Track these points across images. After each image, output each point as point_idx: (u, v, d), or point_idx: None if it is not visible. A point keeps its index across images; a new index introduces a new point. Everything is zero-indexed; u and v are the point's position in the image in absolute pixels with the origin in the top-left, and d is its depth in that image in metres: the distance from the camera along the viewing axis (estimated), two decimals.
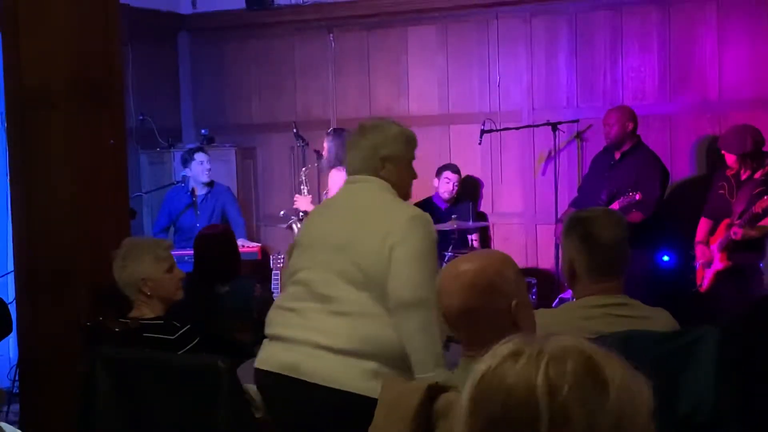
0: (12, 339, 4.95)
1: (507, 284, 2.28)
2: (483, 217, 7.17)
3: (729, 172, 5.85)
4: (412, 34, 7.45)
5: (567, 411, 1.14)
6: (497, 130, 6.93)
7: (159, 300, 3.60)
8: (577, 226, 2.90)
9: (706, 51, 6.61)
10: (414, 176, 3.30)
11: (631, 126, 6.19)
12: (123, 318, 3.58)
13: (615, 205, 5.78)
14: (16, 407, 4.40)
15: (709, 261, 5.79)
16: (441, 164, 7.02)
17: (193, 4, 8.00)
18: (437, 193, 6.95)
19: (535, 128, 6.90)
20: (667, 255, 6.30)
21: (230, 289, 4.44)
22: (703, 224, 5.93)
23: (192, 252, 4.77)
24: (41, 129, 4.15)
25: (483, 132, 6.82)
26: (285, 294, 3.25)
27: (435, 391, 2.11)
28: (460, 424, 1.21)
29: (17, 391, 4.42)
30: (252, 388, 3.30)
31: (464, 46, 7.29)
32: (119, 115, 4.37)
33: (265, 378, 3.13)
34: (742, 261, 5.57)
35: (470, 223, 6.61)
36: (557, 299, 6.06)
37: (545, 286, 6.62)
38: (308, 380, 2.98)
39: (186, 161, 6.88)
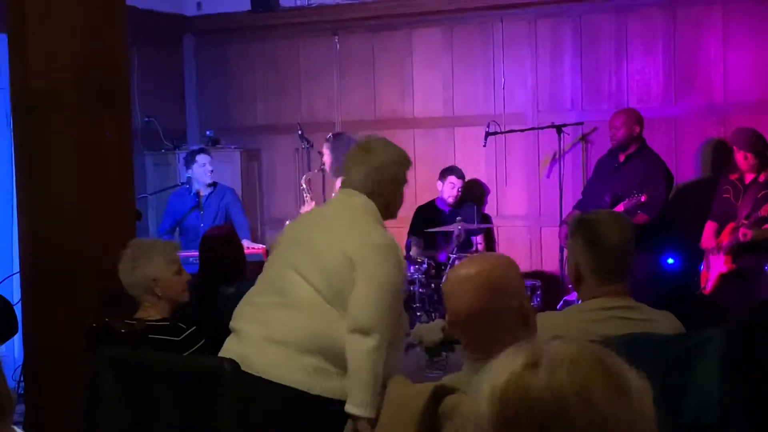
0: (17, 340, 4.96)
1: (516, 283, 2.35)
2: (487, 219, 7.17)
3: (733, 176, 5.87)
4: (417, 37, 7.46)
5: (603, 414, 1.14)
6: (502, 133, 6.93)
7: (167, 301, 3.61)
8: (582, 229, 2.90)
9: (711, 54, 6.61)
10: (402, 200, 3.37)
11: (637, 129, 6.20)
12: (128, 319, 3.58)
13: (620, 207, 5.78)
14: (21, 408, 4.40)
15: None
16: (445, 166, 7.02)
17: (198, 6, 8.01)
18: (441, 197, 6.95)
19: (540, 131, 6.90)
20: (672, 257, 6.29)
21: (235, 290, 4.43)
22: (710, 229, 5.93)
23: (197, 253, 4.78)
24: (47, 130, 4.15)
25: (488, 134, 6.82)
26: (252, 289, 3.33)
27: (440, 392, 2.12)
28: (463, 422, 1.21)
29: (22, 391, 4.43)
30: None
31: (469, 49, 7.29)
32: (125, 116, 4.38)
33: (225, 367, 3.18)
34: (746, 264, 5.57)
35: (474, 225, 6.61)
36: (562, 301, 6.06)
37: (550, 289, 6.62)
38: (253, 373, 3.05)
39: (188, 163, 6.89)
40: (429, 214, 6.89)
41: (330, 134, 6.75)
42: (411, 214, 6.87)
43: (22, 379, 4.48)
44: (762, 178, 5.70)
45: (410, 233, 6.83)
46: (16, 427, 1.92)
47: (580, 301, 3.00)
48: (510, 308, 2.28)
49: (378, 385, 2.91)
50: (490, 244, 7.17)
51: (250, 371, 3.05)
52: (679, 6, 6.69)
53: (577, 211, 6.07)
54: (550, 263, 7.02)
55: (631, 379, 1.18)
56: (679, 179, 6.51)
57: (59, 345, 4.11)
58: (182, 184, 7.01)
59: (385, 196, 3.25)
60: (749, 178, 5.77)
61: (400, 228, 6.44)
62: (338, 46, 7.66)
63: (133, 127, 4.75)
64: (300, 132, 7.19)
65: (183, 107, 8.16)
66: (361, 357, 2.95)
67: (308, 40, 7.78)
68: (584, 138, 6.94)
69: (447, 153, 7.33)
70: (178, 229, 6.95)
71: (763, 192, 5.61)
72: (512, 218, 7.24)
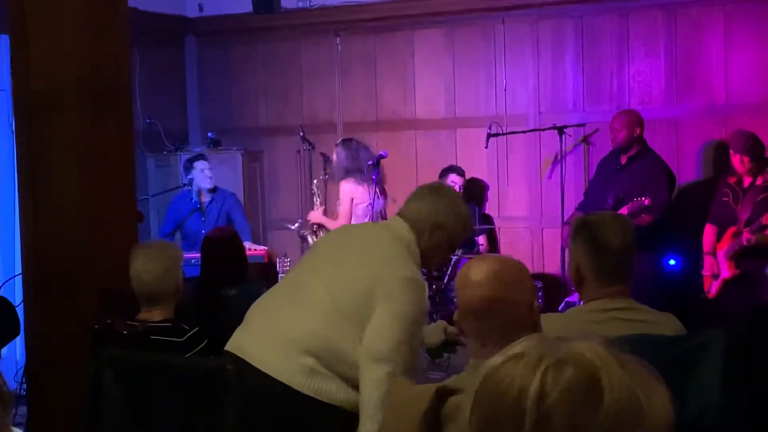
0: (19, 341, 4.96)
1: (528, 283, 2.39)
2: (488, 219, 7.17)
3: (731, 179, 5.87)
4: (419, 38, 7.46)
5: (550, 419, 1.12)
6: (503, 134, 6.93)
7: (174, 303, 3.64)
8: (584, 231, 2.90)
9: (712, 55, 6.61)
10: (447, 255, 3.32)
11: (638, 131, 6.20)
12: (131, 320, 3.59)
13: (624, 210, 5.78)
14: (23, 409, 4.40)
15: (716, 274, 5.79)
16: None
17: (200, 8, 8.02)
18: None
19: (542, 132, 6.90)
20: (673, 259, 6.29)
21: (237, 292, 4.43)
22: (710, 232, 5.93)
23: (198, 255, 4.78)
24: (49, 132, 4.16)
25: (489, 136, 6.82)
26: (272, 287, 3.36)
27: (443, 393, 2.12)
28: (466, 422, 1.21)
29: (24, 393, 4.43)
30: None
31: (471, 50, 7.29)
32: (127, 118, 4.38)
33: (226, 360, 3.18)
34: (749, 269, 5.57)
35: (476, 226, 6.61)
36: (563, 303, 6.05)
37: (551, 290, 6.62)
38: (249, 361, 3.04)
39: (187, 170, 6.90)
40: None
41: (340, 139, 6.77)
42: None
43: (24, 380, 4.48)
44: (759, 181, 5.70)
45: None
46: (16, 429, 1.93)
47: (581, 303, 3.00)
48: (521, 304, 2.32)
49: (381, 414, 2.89)
50: (493, 244, 7.16)
51: (246, 359, 3.05)
52: (680, 7, 6.69)
53: (579, 213, 6.08)
54: (552, 264, 7.02)
55: (617, 386, 1.14)
56: (680, 180, 6.50)
57: (61, 346, 4.12)
58: (184, 185, 7.01)
59: (429, 241, 3.19)
60: (747, 181, 5.77)
61: None
62: (340, 47, 7.67)
63: (134, 129, 4.75)
64: (302, 134, 7.19)
65: (185, 109, 8.16)
66: (372, 385, 2.93)
67: (310, 42, 7.78)
68: (586, 139, 6.95)
69: (448, 154, 7.33)
70: (179, 233, 6.96)
71: (762, 195, 5.61)
72: (514, 219, 7.24)
